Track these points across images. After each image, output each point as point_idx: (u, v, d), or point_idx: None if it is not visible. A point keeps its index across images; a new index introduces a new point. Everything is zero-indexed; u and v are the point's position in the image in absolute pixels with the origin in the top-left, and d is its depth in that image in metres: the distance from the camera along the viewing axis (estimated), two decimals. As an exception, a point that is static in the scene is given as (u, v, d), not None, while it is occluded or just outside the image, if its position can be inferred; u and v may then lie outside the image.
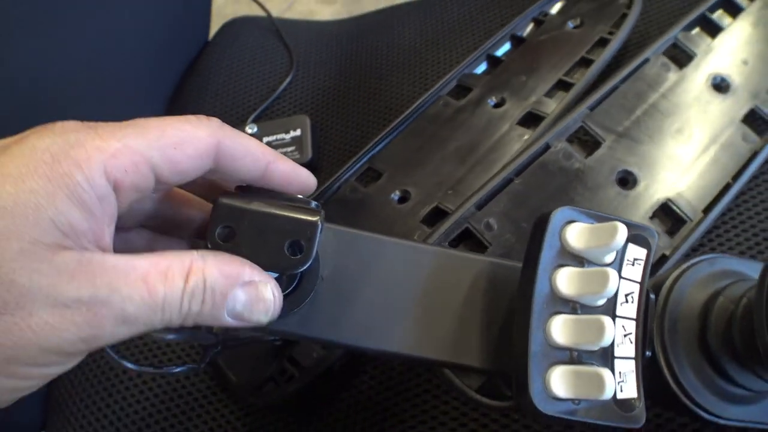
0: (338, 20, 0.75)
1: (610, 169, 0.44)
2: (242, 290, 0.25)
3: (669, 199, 0.43)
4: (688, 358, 0.30)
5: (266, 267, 0.27)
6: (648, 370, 0.30)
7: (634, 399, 0.28)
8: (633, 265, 0.31)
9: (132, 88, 0.66)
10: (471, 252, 0.41)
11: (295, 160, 0.57)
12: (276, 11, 0.78)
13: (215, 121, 0.26)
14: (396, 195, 0.49)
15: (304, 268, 0.27)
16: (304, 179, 0.29)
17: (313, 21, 0.77)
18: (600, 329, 0.27)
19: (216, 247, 0.27)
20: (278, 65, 0.69)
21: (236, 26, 0.76)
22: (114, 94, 0.62)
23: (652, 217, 0.43)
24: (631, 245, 0.31)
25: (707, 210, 0.43)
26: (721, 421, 0.30)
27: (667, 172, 0.44)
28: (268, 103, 0.65)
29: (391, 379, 0.42)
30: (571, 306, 0.29)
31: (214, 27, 0.78)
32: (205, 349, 0.36)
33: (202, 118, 0.26)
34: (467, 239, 0.43)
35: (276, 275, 0.28)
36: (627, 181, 0.44)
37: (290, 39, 0.71)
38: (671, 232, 0.43)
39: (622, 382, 0.29)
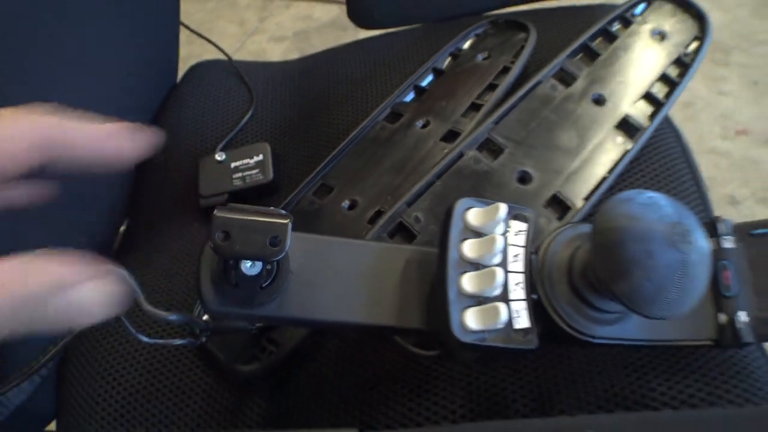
0: (290, 60, 0.86)
1: (511, 170, 0.56)
2: (90, 284, 0.28)
3: (558, 192, 0.55)
4: (563, 295, 0.41)
5: (254, 257, 0.37)
6: (537, 311, 0.41)
7: (528, 328, 0.40)
8: (517, 235, 0.43)
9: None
10: (403, 242, 0.53)
11: (258, 180, 0.69)
12: (229, 50, 0.89)
13: (44, 118, 0.28)
14: (346, 204, 0.60)
15: (282, 256, 0.36)
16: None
17: (269, 62, 0.88)
18: (493, 277, 0.39)
19: (217, 247, 0.36)
20: (240, 101, 0.80)
21: (201, 69, 0.87)
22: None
23: (546, 206, 0.55)
24: (515, 221, 0.43)
25: (587, 198, 0.55)
26: (594, 340, 0.41)
27: (557, 171, 0.56)
28: (233, 134, 0.76)
29: (345, 351, 0.53)
30: (475, 266, 0.41)
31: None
32: (199, 331, 0.46)
33: (31, 112, 0.28)
34: (402, 231, 0.54)
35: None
36: (525, 179, 0.56)
37: (249, 78, 0.82)
38: (560, 218, 0.55)
39: (518, 316, 0.40)
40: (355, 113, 0.72)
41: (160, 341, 0.43)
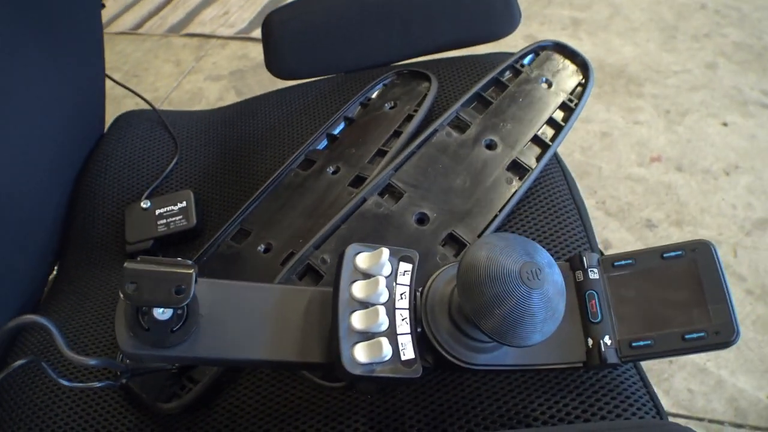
0: (213, 109, 0.91)
1: (410, 213, 0.61)
2: None
3: (454, 230, 0.61)
4: (444, 328, 0.46)
5: (161, 305, 0.41)
6: (423, 341, 0.46)
7: (413, 359, 0.45)
8: (404, 275, 0.48)
9: (38, 175, 0.78)
10: (312, 283, 0.58)
11: (182, 225, 0.73)
12: (165, 90, 0.93)
13: None
14: (262, 247, 0.65)
15: (186, 302, 0.41)
16: None
17: (193, 111, 0.93)
18: (377, 314, 0.44)
19: (127, 296, 0.40)
20: (165, 150, 0.84)
21: (126, 119, 0.91)
22: (22, 173, 0.73)
23: (444, 245, 0.61)
24: (402, 263, 0.48)
25: (480, 235, 0.61)
26: (474, 367, 0.46)
27: (452, 211, 0.62)
28: (158, 183, 0.79)
29: (260, 386, 0.57)
30: (363, 305, 0.46)
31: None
32: (119, 373, 0.50)
33: None
34: (310, 272, 0.59)
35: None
36: (423, 220, 0.62)
37: (174, 127, 0.86)
38: (456, 254, 0.60)
39: (404, 348, 0.45)
40: (273, 160, 0.77)
41: (80, 384, 0.46)
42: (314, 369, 0.53)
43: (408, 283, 0.47)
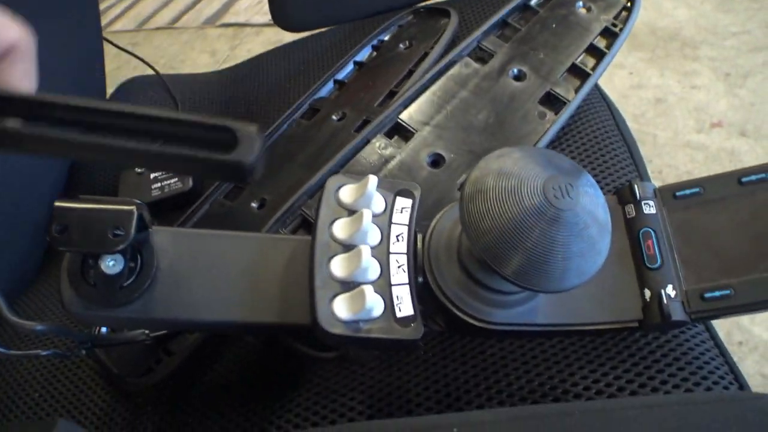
0: (218, 71, 0.84)
1: (423, 154, 0.52)
2: None
3: (475, 173, 0.51)
4: (453, 277, 0.37)
5: (96, 249, 0.34)
6: (429, 296, 0.37)
7: (411, 316, 0.35)
8: (401, 212, 0.38)
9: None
10: (299, 234, 0.49)
11: (178, 189, 0.65)
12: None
13: (30, 36, 0.29)
14: (255, 203, 0.56)
15: (122, 247, 0.32)
16: None
17: (199, 73, 0.85)
18: (359, 256, 0.34)
19: (54, 240, 0.32)
20: (166, 114, 0.77)
21: (129, 85, 0.84)
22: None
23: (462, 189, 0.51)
24: (399, 198, 0.39)
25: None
26: (492, 327, 0.36)
27: (472, 151, 0.52)
28: (156, 147, 0.72)
29: (243, 357, 0.49)
30: (346, 248, 0.36)
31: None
32: (77, 343, 0.42)
33: (25, 26, 0.29)
34: (305, 225, 0.50)
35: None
36: (438, 162, 0.52)
37: (176, 91, 0.79)
38: (478, 199, 0.50)
39: (400, 303, 0.35)
40: (275, 114, 0.68)
41: (17, 352, 0.39)
42: (298, 333, 0.44)
43: (406, 223, 0.38)
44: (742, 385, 0.40)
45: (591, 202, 0.31)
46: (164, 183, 0.66)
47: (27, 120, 0.27)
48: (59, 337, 0.51)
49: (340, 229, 0.36)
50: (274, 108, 0.70)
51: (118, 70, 0.89)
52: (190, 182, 0.66)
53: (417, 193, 0.39)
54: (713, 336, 0.45)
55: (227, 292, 0.38)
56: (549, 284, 0.31)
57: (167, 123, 0.27)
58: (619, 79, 1.53)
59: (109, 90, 0.86)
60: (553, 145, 0.55)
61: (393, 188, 0.38)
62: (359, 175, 0.38)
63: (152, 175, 0.67)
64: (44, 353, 0.40)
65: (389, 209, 0.38)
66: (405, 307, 0.35)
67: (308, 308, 0.38)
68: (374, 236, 0.36)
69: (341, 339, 0.34)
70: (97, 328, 0.49)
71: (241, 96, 0.75)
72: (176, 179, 0.66)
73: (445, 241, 0.38)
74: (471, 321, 0.36)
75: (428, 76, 0.56)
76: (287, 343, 0.45)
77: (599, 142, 0.55)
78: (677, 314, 0.38)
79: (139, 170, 0.68)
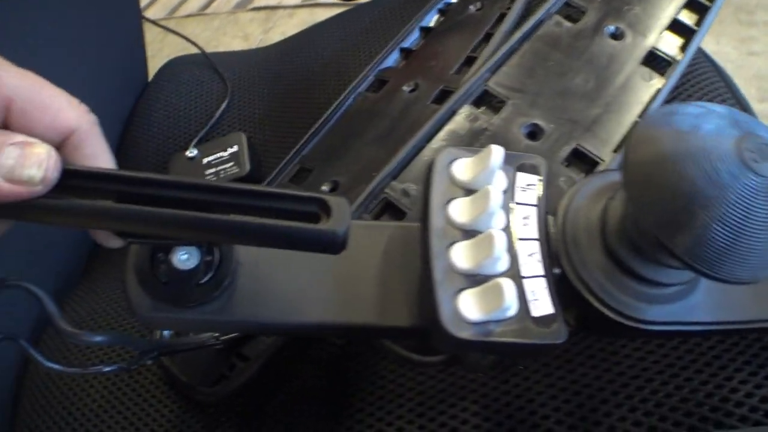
0: (265, 47, 0.78)
1: (517, 124, 0.46)
2: (14, 146, 0.25)
3: (579, 144, 0.45)
4: (596, 266, 0.30)
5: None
6: (563, 290, 0.31)
7: (551, 315, 0.29)
8: (526, 190, 0.32)
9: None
10: (383, 220, 0.43)
11: (234, 173, 0.60)
12: None
13: (90, 117, 0.27)
14: (327, 187, 0.51)
15: None
16: None
17: (243, 50, 0.80)
18: (491, 241, 0.28)
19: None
20: (215, 94, 0.71)
21: (173, 65, 0.79)
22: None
23: (566, 164, 0.45)
24: (521, 173, 0.33)
25: (617, 149, 0.45)
26: (646, 326, 0.30)
27: (574, 120, 0.46)
28: (207, 128, 0.67)
29: (331, 362, 0.43)
30: (468, 234, 0.31)
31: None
32: (140, 354, 0.37)
33: (84, 107, 0.27)
34: (389, 209, 0.44)
35: None
36: (535, 133, 0.46)
37: (223, 69, 0.74)
38: (588, 174, 0.44)
39: (535, 299, 0.29)
40: (336, 89, 0.62)
41: (78, 371, 0.34)
42: (400, 336, 0.38)
43: (534, 202, 0.32)
44: None
45: None
46: (219, 168, 0.61)
47: (117, 198, 0.26)
48: (119, 346, 0.46)
49: (460, 211, 0.30)
50: (333, 82, 0.64)
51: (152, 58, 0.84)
52: (248, 165, 0.60)
53: (543, 168, 0.33)
54: None
55: (317, 290, 0.33)
56: (743, 272, 0.25)
57: (257, 197, 0.26)
58: (675, 47, 1.44)
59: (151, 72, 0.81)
60: (663, 110, 0.48)
61: (514, 162, 0.32)
62: (476, 148, 0.32)
63: (205, 160, 0.62)
64: (107, 369, 0.35)
65: (511, 187, 0.32)
66: (542, 304, 0.29)
67: (411, 307, 0.32)
68: (501, 218, 0.30)
69: (469, 344, 0.28)
70: (159, 332, 0.44)
71: (293, 71, 0.69)
72: (232, 163, 0.61)
73: (583, 221, 0.31)
74: (620, 319, 0.30)
75: (517, 37, 0.49)
76: (379, 344, 0.39)
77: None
78: None
79: (191, 154, 0.63)
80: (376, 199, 0.43)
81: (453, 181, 0.32)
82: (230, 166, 0.61)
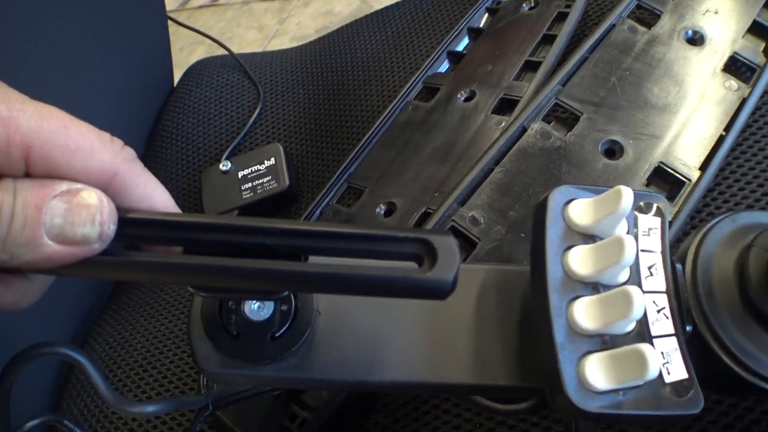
0: (299, 46, 0.74)
1: (593, 141, 0.42)
2: (59, 199, 0.21)
3: (662, 162, 0.41)
4: (734, 322, 0.27)
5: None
6: (693, 347, 0.27)
7: (685, 380, 0.25)
8: (649, 235, 0.29)
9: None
10: (461, 255, 0.39)
11: (272, 188, 0.56)
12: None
13: (127, 152, 0.23)
14: (381, 209, 0.47)
15: None
16: None
17: (276, 50, 0.76)
18: (627, 300, 0.25)
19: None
20: (246, 99, 0.68)
21: (200, 68, 0.75)
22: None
23: (648, 184, 0.41)
24: (641, 215, 0.29)
25: (704, 167, 0.41)
26: None
27: (655, 136, 0.42)
28: (240, 139, 0.63)
29: (402, 411, 0.40)
30: (591, 287, 0.27)
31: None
32: (196, 413, 0.34)
33: (117, 142, 0.23)
34: (458, 238, 0.40)
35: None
36: (614, 151, 0.42)
37: (255, 72, 0.70)
38: (670, 197, 0.40)
39: (668, 363, 0.26)
40: (380, 95, 0.59)
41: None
42: (498, 394, 0.34)
43: (658, 249, 0.28)
44: None
45: None
46: (256, 183, 0.57)
47: (186, 248, 0.23)
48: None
49: (582, 260, 0.27)
50: (375, 87, 0.60)
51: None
52: (287, 180, 0.56)
53: (666, 209, 0.29)
54: None
55: (404, 344, 0.29)
56: None
57: (351, 239, 0.23)
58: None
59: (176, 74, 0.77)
60: (752, 123, 0.44)
61: (636, 201, 0.29)
62: (593, 186, 0.28)
63: (241, 174, 0.58)
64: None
65: (631, 231, 0.28)
66: (676, 367, 0.26)
67: (512, 364, 0.29)
68: (625, 271, 0.27)
69: (597, 417, 0.25)
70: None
71: (330, 74, 0.65)
72: (270, 177, 0.57)
73: (717, 272, 0.28)
74: (762, 383, 0.26)
75: (587, 44, 0.45)
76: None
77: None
78: None
79: (225, 168, 0.59)
80: (443, 227, 0.40)
81: (571, 225, 0.28)
82: (268, 181, 0.57)
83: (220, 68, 0.73)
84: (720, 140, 0.42)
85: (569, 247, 0.27)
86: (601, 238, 0.27)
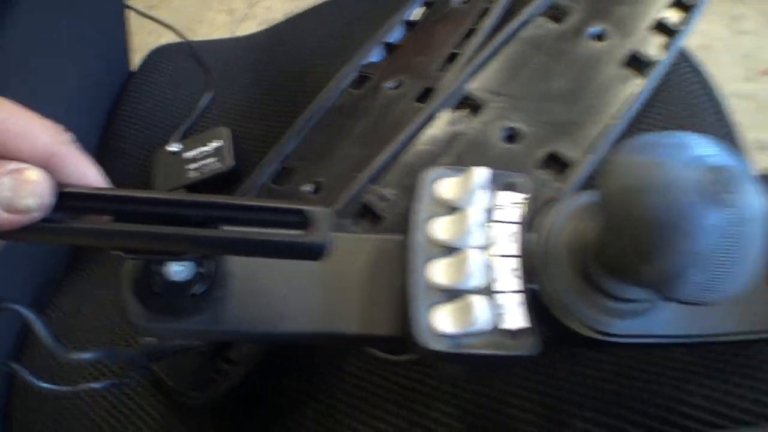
0: (251, 34, 0.77)
1: (496, 128, 0.46)
2: (8, 176, 0.25)
3: (555, 147, 0.45)
4: (570, 284, 0.32)
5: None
6: (539, 303, 0.32)
7: (524, 328, 0.30)
8: (510, 209, 0.33)
9: (63, 122, 0.68)
10: (371, 227, 0.44)
11: (217, 169, 0.60)
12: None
13: (64, 137, 0.27)
14: (310, 187, 0.51)
15: None
16: None
17: (228, 38, 0.79)
18: (465, 261, 0.29)
19: None
20: (199, 85, 0.71)
21: (158, 54, 0.78)
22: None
23: (541, 167, 0.45)
24: (505, 192, 0.33)
25: (592, 152, 0.45)
26: (612, 339, 0.31)
27: (551, 123, 0.46)
28: (190, 122, 0.67)
29: (314, 363, 0.44)
30: (448, 251, 0.31)
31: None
32: (129, 366, 0.38)
33: (57, 128, 0.27)
34: (369, 213, 0.45)
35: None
36: (514, 137, 0.46)
37: (208, 59, 0.73)
38: (560, 179, 0.45)
39: (510, 313, 0.31)
40: (321, 83, 0.62)
41: (69, 389, 0.35)
42: (383, 344, 0.39)
43: (516, 221, 0.33)
44: None
45: (757, 201, 0.25)
46: (202, 163, 0.61)
47: (116, 217, 0.27)
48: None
49: (441, 229, 0.31)
50: (318, 76, 0.64)
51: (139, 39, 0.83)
52: (232, 161, 0.60)
53: (528, 187, 0.33)
54: None
55: (304, 300, 0.34)
56: (706, 295, 0.26)
57: (247, 210, 0.28)
58: (664, 25, 1.43)
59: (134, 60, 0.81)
60: (642, 115, 0.49)
61: (499, 181, 0.33)
62: (459, 167, 0.32)
63: (188, 154, 0.62)
64: (98, 386, 0.36)
65: (494, 205, 0.33)
66: (517, 318, 0.30)
67: (393, 317, 0.33)
68: (479, 237, 0.31)
69: (442, 356, 0.29)
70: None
71: (279, 63, 0.69)
72: (216, 158, 0.61)
73: (563, 241, 0.32)
74: (589, 333, 0.31)
75: (500, 38, 0.49)
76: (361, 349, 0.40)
77: (692, 115, 0.49)
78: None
79: (174, 149, 0.63)
80: (355, 202, 0.44)
81: (436, 199, 0.32)
82: (213, 162, 0.61)
83: (177, 54, 0.76)
84: (610, 128, 0.46)
85: (433, 217, 0.31)
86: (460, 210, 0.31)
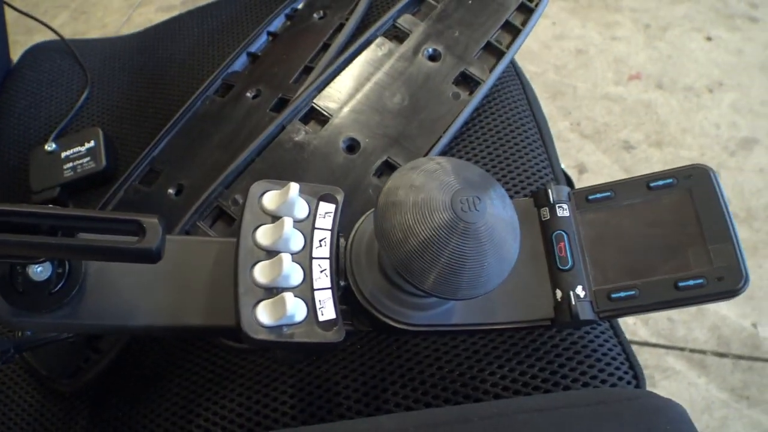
0: (128, 35, 0.80)
1: (338, 139, 0.52)
2: None
3: (389, 157, 0.52)
4: (373, 281, 0.38)
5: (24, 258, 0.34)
6: (348, 297, 0.38)
7: (332, 320, 0.37)
8: (324, 217, 0.39)
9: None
10: (225, 229, 0.49)
11: (90, 168, 0.63)
12: (115, 25, 0.81)
13: None
14: (172, 189, 0.56)
15: None
16: None
17: (106, 38, 0.82)
18: (280, 264, 0.35)
19: None
20: (76, 84, 0.74)
21: (35, 52, 0.80)
22: None
23: (377, 175, 0.52)
24: (322, 203, 0.39)
25: (423, 161, 0.52)
26: (411, 328, 0.38)
27: (386, 135, 0.53)
28: (66, 122, 0.70)
29: (171, 352, 0.49)
30: (269, 254, 0.37)
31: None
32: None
33: None
34: (223, 216, 0.50)
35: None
36: (353, 147, 0.52)
37: (86, 58, 0.76)
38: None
39: (323, 307, 0.37)
40: (189, 87, 0.67)
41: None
42: (224, 334, 0.45)
43: (329, 227, 0.39)
44: (639, 380, 0.43)
45: (499, 213, 0.32)
46: (77, 162, 0.64)
47: None
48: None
49: (263, 235, 0.37)
50: (187, 80, 0.68)
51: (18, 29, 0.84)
52: (104, 161, 0.64)
53: (340, 198, 0.40)
54: (617, 333, 0.47)
55: (154, 297, 0.39)
56: (459, 293, 0.33)
57: (86, 220, 0.32)
58: (542, 29, 1.54)
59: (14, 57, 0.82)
60: (466, 126, 0.56)
61: (316, 193, 0.39)
62: (283, 181, 0.38)
63: (64, 154, 0.65)
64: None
65: (312, 214, 0.39)
66: (327, 311, 0.36)
67: (233, 311, 0.39)
68: (297, 242, 0.37)
69: (265, 344, 0.35)
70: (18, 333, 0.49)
71: (152, 65, 0.73)
72: (89, 158, 0.64)
73: (366, 245, 0.39)
74: (391, 323, 0.37)
75: (344, 56, 0.55)
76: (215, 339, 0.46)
77: (514, 132, 0.57)
78: (586, 314, 0.40)
79: (50, 148, 0.66)
80: (210, 206, 0.49)
81: (262, 210, 0.38)
82: (87, 162, 0.64)
83: (54, 53, 0.78)
84: (438, 140, 0.53)
85: (259, 225, 0.37)
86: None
